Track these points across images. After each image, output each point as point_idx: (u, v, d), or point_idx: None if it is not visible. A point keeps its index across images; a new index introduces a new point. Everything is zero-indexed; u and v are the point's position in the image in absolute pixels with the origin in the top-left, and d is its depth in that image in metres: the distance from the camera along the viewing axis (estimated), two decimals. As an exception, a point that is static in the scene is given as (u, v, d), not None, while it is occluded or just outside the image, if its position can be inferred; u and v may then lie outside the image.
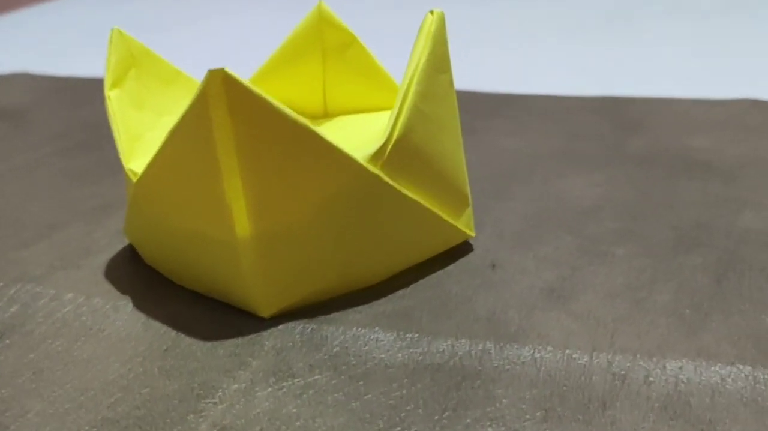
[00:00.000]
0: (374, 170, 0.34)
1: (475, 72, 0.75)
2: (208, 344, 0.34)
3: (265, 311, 0.35)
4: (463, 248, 0.41)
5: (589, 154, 0.53)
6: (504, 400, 0.30)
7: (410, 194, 0.36)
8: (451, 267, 0.39)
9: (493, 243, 0.41)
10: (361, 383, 0.31)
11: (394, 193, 0.35)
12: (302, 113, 0.47)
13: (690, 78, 0.70)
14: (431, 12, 0.36)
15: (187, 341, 0.34)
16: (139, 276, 0.39)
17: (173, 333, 0.34)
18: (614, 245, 0.41)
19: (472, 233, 0.41)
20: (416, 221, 0.37)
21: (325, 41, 0.45)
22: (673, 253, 0.39)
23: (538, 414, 0.29)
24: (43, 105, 0.72)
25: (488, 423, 0.28)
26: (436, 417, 0.29)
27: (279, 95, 0.46)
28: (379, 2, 1.09)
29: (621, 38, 0.85)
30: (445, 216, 0.38)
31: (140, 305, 0.37)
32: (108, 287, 0.38)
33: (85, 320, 0.36)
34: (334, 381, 0.31)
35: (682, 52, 0.78)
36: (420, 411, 0.29)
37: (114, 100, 0.38)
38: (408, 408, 0.29)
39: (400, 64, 0.76)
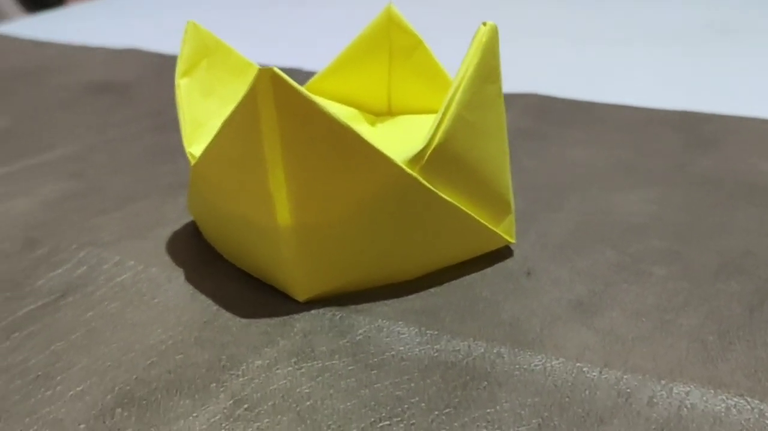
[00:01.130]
0: (412, 172, 0.36)
1: (557, 76, 0.75)
2: (245, 321, 0.36)
3: (301, 296, 0.37)
4: (502, 254, 0.42)
5: (653, 170, 0.52)
6: (505, 404, 0.31)
7: (448, 198, 0.38)
8: (487, 271, 0.40)
9: (533, 252, 0.42)
10: (374, 372, 0.33)
11: (431, 195, 0.37)
12: (366, 110, 0.49)
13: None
14: (484, 24, 0.38)
15: (226, 316, 0.37)
16: (197, 251, 0.43)
17: (215, 307, 0.37)
18: (654, 264, 0.41)
19: (512, 240, 0.42)
20: (453, 223, 0.38)
21: (392, 43, 0.47)
22: (712, 279, 0.39)
23: (534, 421, 0.30)
24: (147, 81, 0.77)
25: (484, 425, 0.30)
26: (436, 413, 0.30)
27: (345, 92, 0.49)
28: (447, 6, 1.10)
29: (713, 51, 0.83)
30: (483, 221, 0.40)
31: (192, 278, 0.40)
32: (167, 258, 0.42)
33: (141, 287, 0.39)
34: (350, 367, 0.33)
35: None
36: (423, 404, 0.31)
37: (183, 87, 0.42)
38: (413, 400, 0.31)
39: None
